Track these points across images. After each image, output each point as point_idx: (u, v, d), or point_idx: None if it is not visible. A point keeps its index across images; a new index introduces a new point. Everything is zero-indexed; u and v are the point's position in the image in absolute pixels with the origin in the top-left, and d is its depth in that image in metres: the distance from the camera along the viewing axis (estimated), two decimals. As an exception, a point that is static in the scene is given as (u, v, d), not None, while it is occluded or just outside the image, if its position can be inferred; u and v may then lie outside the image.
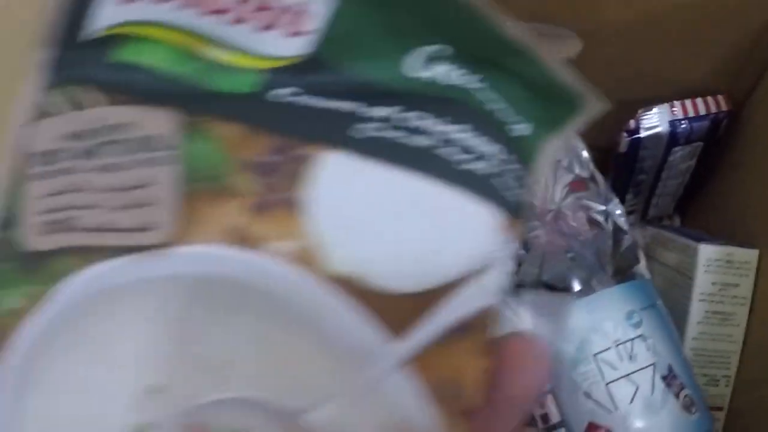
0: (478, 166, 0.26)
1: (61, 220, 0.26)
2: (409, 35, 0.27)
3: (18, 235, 0.26)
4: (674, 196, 0.67)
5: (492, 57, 0.28)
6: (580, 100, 0.30)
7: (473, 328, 0.24)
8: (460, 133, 0.27)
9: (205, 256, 0.24)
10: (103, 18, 0.27)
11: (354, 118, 0.26)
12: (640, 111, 0.59)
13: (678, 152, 0.61)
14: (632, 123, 0.59)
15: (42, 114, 0.27)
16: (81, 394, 0.25)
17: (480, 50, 0.28)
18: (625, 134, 0.60)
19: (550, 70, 0.29)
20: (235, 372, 0.23)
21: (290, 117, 0.26)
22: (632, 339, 0.45)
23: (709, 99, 0.59)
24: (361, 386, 0.23)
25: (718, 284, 0.53)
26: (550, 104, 0.30)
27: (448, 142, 0.27)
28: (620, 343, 0.45)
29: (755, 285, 0.52)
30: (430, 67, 0.28)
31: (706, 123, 0.59)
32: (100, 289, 0.25)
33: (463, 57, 0.28)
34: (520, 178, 0.29)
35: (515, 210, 0.28)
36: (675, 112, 0.59)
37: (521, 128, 0.30)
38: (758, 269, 0.52)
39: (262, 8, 0.27)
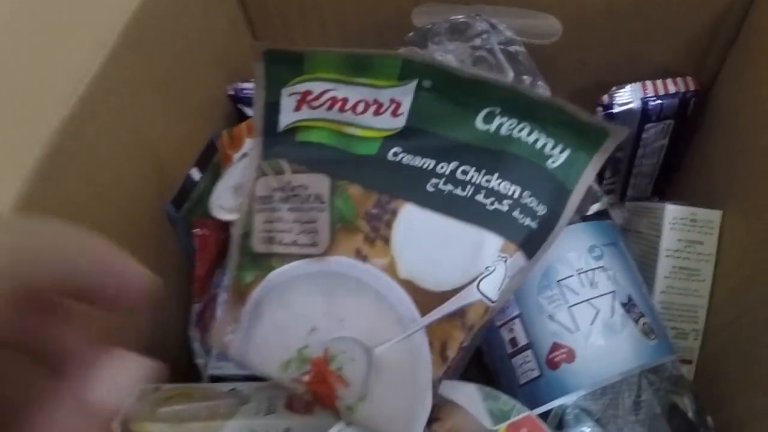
0: (497, 207, 0.40)
1: (270, 237, 0.44)
2: (468, 105, 0.42)
3: (251, 243, 0.45)
4: (651, 176, 0.67)
5: (529, 109, 0.41)
6: (605, 130, 0.40)
7: (464, 314, 0.39)
8: (493, 181, 0.40)
9: (342, 262, 0.41)
10: (286, 119, 0.45)
11: (431, 173, 0.41)
12: (613, 88, 0.60)
13: (651, 129, 0.62)
14: (606, 98, 0.60)
15: (261, 174, 0.45)
16: (279, 328, 0.43)
17: (520, 107, 0.41)
18: (599, 109, 0.60)
19: (573, 114, 0.40)
20: (346, 324, 0.41)
21: (391, 175, 0.41)
22: (593, 269, 0.46)
23: (678, 79, 0.60)
24: (403, 336, 0.39)
25: (683, 241, 0.54)
26: (581, 137, 0.41)
27: (480, 189, 0.40)
28: (582, 272, 0.46)
29: (719, 243, 0.53)
30: (488, 120, 0.41)
31: (675, 101, 0.60)
32: (289, 277, 0.43)
33: (510, 112, 0.41)
34: (530, 211, 0.40)
35: (515, 235, 0.40)
36: (646, 90, 0.60)
37: (562, 156, 0.41)
38: (721, 229, 0.53)
39: (375, 103, 0.43)
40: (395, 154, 0.41)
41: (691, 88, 0.60)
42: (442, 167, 0.41)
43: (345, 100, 0.43)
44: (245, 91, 0.60)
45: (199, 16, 0.56)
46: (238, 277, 0.45)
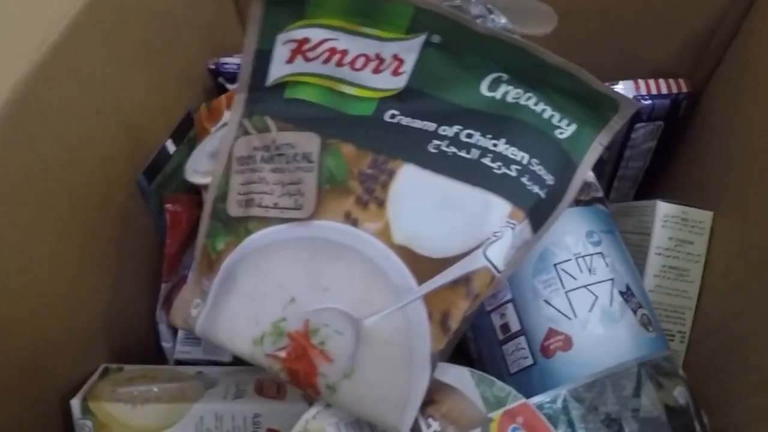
0: (505, 171, 0.36)
1: (248, 200, 0.39)
2: (474, 68, 0.38)
3: (226, 206, 0.40)
4: (635, 180, 0.64)
5: (539, 77, 0.38)
6: (615, 103, 0.38)
7: (469, 281, 0.35)
8: (499, 145, 0.37)
9: (329, 227, 0.37)
10: (276, 72, 0.40)
11: (432, 135, 0.37)
12: (606, 84, 0.58)
13: (640, 129, 0.59)
14: None
15: (243, 132, 0.40)
16: (253, 299, 0.38)
17: (529, 74, 0.37)
18: None
19: (586, 82, 0.37)
20: (331, 294, 0.36)
21: (388, 136, 0.37)
22: (591, 254, 0.43)
23: (671, 80, 0.58)
24: (397, 307, 0.35)
25: (674, 240, 0.51)
26: (591, 109, 0.38)
27: (488, 153, 0.37)
28: (580, 257, 0.43)
29: (709, 244, 0.51)
30: (494, 88, 0.38)
31: (667, 102, 0.57)
32: (268, 243, 0.38)
33: (517, 80, 0.38)
34: (539, 179, 0.37)
35: (524, 202, 0.36)
36: (639, 89, 0.57)
37: (569, 129, 0.38)
38: (712, 230, 0.51)
39: (377, 59, 0.39)
40: (392, 116, 0.37)
41: (684, 89, 0.58)
42: (444, 130, 0.37)
43: (344, 53, 0.38)
44: (226, 66, 0.56)
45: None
46: (207, 245, 0.40)
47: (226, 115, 0.51)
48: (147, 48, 0.49)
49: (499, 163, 0.36)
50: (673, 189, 0.62)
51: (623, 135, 0.60)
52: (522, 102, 0.37)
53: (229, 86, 0.56)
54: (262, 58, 0.40)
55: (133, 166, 0.50)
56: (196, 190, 0.49)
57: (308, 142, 0.38)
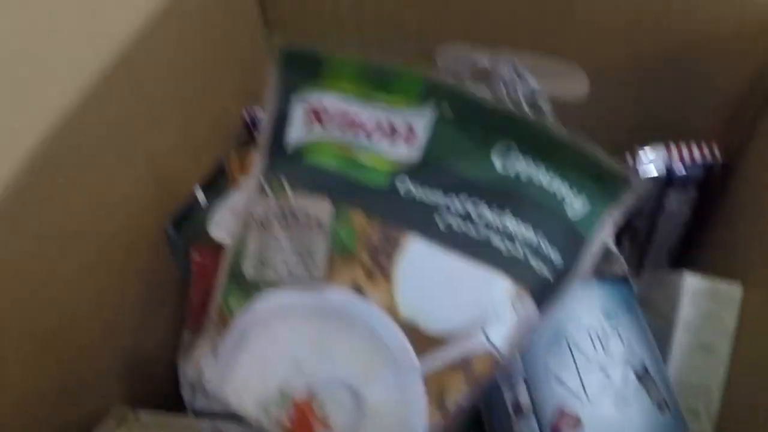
0: (511, 250, 0.35)
1: (263, 262, 0.39)
2: (485, 140, 0.37)
3: (241, 267, 0.40)
4: (668, 248, 0.62)
5: (550, 152, 0.37)
6: (626, 179, 0.37)
7: (469, 365, 0.34)
8: (507, 223, 0.36)
9: (338, 296, 0.36)
10: (294, 135, 0.40)
11: (441, 208, 0.36)
12: (638, 150, 0.56)
13: (673, 196, 0.57)
14: (629, 160, 0.56)
15: (261, 194, 0.40)
16: (261, 362, 0.38)
17: (540, 148, 0.37)
18: None
19: (597, 158, 0.36)
20: (336, 363, 0.35)
21: (399, 207, 0.37)
22: (607, 333, 0.42)
23: (704, 147, 0.56)
24: (398, 383, 0.34)
25: (701, 314, 0.49)
26: (602, 184, 0.37)
27: (495, 230, 0.36)
28: (595, 335, 0.42)
29: (738, 319, 0.49)
30: (504, 159, 0.37)
31: (700, 170, 0.56)
32: (279, 307, 0.37)
33: (528, 153, 0.37)
34: (545, 258, 0.36)
35: (528, 281, 0.36)
36: (672, 156, 0.56)
37: (580, 205, 0.37)
38: (742, 305, 0.49)
39: (390, 129, 0.38)
40: (405, 186, 0.37)
41: (717, 156, 0.56)
42: (453, 203, 0.36)
43: (359, 120, 0.38)
44: (260, 116, 0.56)
45: (222, 35, 0.53)
46: (222, 302, 0.40)
47: (255, 168, 0.51)
48: (180, 96, 0.49)
49: (506, 241, 0.35)
50: (706, 258, 0.60)
51: (656, 203, 0.58)
52: (533, 176, 0.37)
53: (261, 138, 0.56)
54: (281, 118, 0.40)
55: (161, 214, 0.50)
56: (224, 241, 0.49)
57: (321, 209, 0.37)
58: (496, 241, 0.35)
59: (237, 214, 0.44)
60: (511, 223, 0.36)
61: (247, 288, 0.39)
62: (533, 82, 0.54)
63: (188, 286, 0.52)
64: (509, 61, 0.53)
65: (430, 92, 0.37)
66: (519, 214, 0.36)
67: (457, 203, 0.36)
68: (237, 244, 0.40)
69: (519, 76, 0.53)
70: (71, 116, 0.39)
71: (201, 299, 0.53)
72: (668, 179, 0.56)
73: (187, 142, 0.51)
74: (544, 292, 0.36)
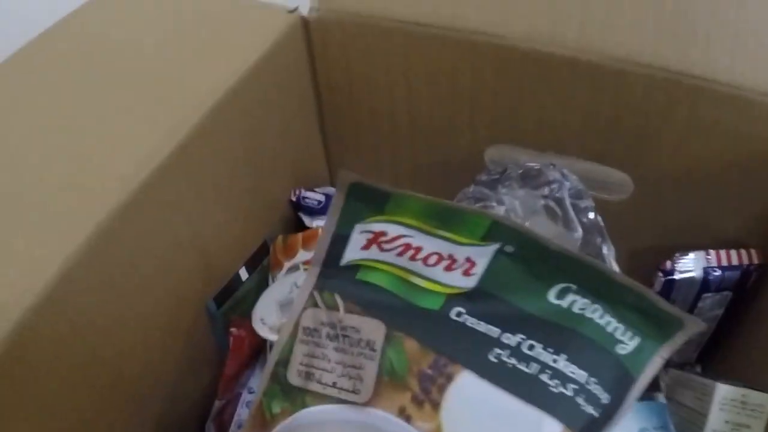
0: (562, 390, 0.35)
1: (309, 373, 0.39)
2: (544, 277, 0.37)
3: (286, 373, 0.40)
4: (698, 344, 0.62)
5: (606, 291, 0.37)
6: (680, 321, 0.36)
7: None
8: (560, 361, 0.36)
9: (383, 417, 0.36)
10: (350, 255, 0.40)
11: (494, 342, 0.36)
12: (676, 255, 0.56)
13: (708, 299, 0.57)
14: (668, 264, 0.56)
15: (313, 304, 0.40)
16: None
17: (596, 287, 0.37)
18: (660, 274, 0.56)
19: (652, 300, 0.36)
20: None
21: (452, 336, 0.37)
22: None
23: (743, 251, 0.56)
24: None
25: (730, 423, 0.49)
26: (655, 324, 0.37)
27: (547, 368, 0.36)
28: None
29: (766, 429, 0.48)
30: (561, 297, 0.37)
31: (737, 273, 0.55)
32: (322, 420, 0.38)
33: (585, 291, 0.37)
34: (594, 398, 0.36)
35: (576, 422, 0.35)
36: (709, 260, 0.56)
37: (632, 344, 0.37)
38: None
39: (449, 258, 0.38)
40: (459, 314, 0.37)
41: (755, 261, 0.55)
42: (507, 338, 0.36)
43: (419, 249, 0.38)
44: (307, 200, 0.57)
45: (276, 119, 0.53)
46: (264, 403, 0.40)
47: (301, 254, 0.52)
48: (231, 181, 0.50)
49: (557, 381, 0.35)
50: (733, 358, 0.60)
51: (690, 303, 0.58)
52: (588, 314, 0.36)
53: (307, 221, 0.57)
54: (339, 241, 0.40)
55: (204, 292, 0.50)
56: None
57: (374, 329, 0.37)
58: (547, 379, 0.35)
59: (282, 311, 0.44)
60: (564, 362, 0.36)
61: (290, 395, 0.39)
62: (578, 184, 0.54)
63: (224, 358, 0.53)
64: (555, 163, 0.54)
65: (494, 232, 0.37)
66: (572, 353, 0.36)
67: (511, 338, 0.36)
68: (283, 349, 0.40)
69: (565, 177, 0.54)
70: (128, 202, 0.40)
71: (235, 371, 0.54)
72: (704, 282, 0.56)
73: (236, 225, 0.51)
74: (590, 429, 0.36)
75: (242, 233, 0.53)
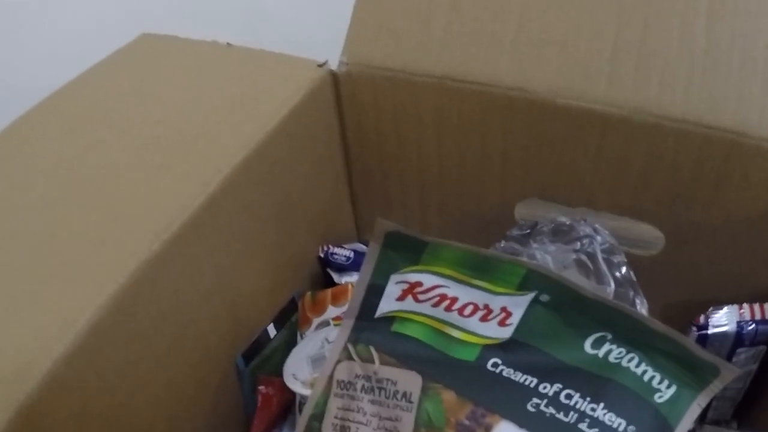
0: None
1: (344, 426, 0.38)
2: (579, 326, 0.37)
3: (321, 427, 0.39)
4: (734, 400, 0.61)
5: (642, 339, 0.36)
6: (716, 368, 0.36)
7: None
8: (597, 410, 0.35)
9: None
10: (385, 306, 0.40)
11: (532, 392, 0.36)
12: (710, 308, 0.55)
13: (742, 354, 0.57)
14: (702, 318, 0.55)
15: (347, 357, 0.39)
16: None
17: (632, 335, 0.36)
18: (694, 328, 0.55)
19: (688, 348, 0.36)
20: None
21: (489, 386, 0.36)
22: None
23: None
24: None
25: None
26: (691, 372, 0.36)
27: (585, 416, 0.35)
28: None
29: None
30: (597, 346, 0.37)
31: None
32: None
33: (621, 340, 0.37)
34: None
35: None
36: (743, 313, 0.55)
37: (669, 392, 0.36)
38: None
39: (485, 309, 0.38)
40: (495, 365, 0.37)
41: (789, 314, 0.55)
42: (545, 387, 0.36)
43: (454, 300, 0.38)
44: (335, 256, 0.57)
45: (304, 173, 0.54)
46: (299, 459, 0.39)
47: (330, 311, 0.51)
48: (261, 236, 0.50)
49: (596, 430, 0.35)
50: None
51: (725, 358, 0.56)
52: (624, 363, 0.36)
53: (336, 277, 0.56)
54: (374, 292, 0.40)
55: (233, 347, 0.50)
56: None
57: (410, 381, 0.37)
58: (586, 427, 0.35)
59: (314, 366, 0.44)
60: (602, 411, 0.35)
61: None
62: (610, 239, 0.53)
63: (252, 415, 0.52)
64: (587, 218, 0.53)
65: (530, 281, 0.37)
66: (610, 401, 0.36)
67: (549, 388, 0.36)
68: (317, 403, 0.40)
69: (596, 232, 0.53)
70: (159, 255, 0.40)
71: (262, 429, 0.53)
72: (738, 336, 0.55)
73: (264, 280, 0.52)
74: None
75: (270, 288, 0.52)
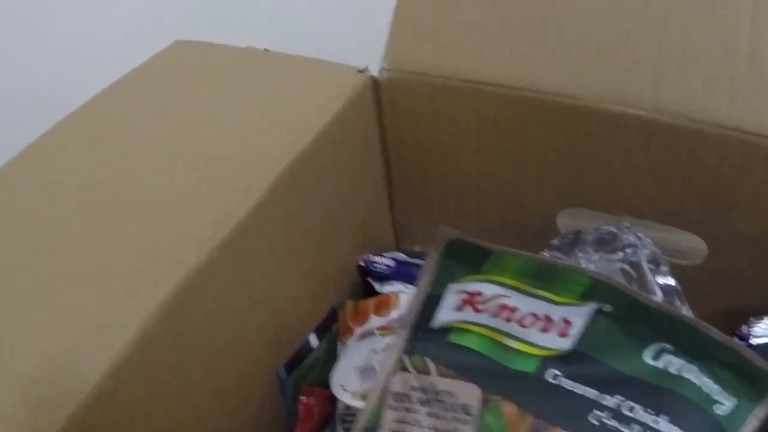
0: None
1: (400, 439, 0.38)
2: (640, 337, 0.37)
3: (375, 439, 0.39)
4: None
5: (702, 350, 0.36)
6: None
7: None
8: (659, 421, 0.35)
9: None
10: (443, 317, 0.40)
11: (593, 404, 0.35)
12: (751, 319, 0.55)
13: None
14: (744, 329, 0.54)
15: (402, 369, 0.39)
16: None
17: (693, 346, 0.36)
18: (735, 339, 0.55)
19: (748, 358, 0.35)
20: None
21: (550, 399, 0.36)
22: None
23: None
24: None
25: None
26: (750, 384, 0.36)
27: (648, 430, 0.35)
28: None
29: None
30: (658, 358, 0.36)
31: None
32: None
33: (682, 351, 0.36)
34: None
35: None
36: (786, 325, 0.53)
37: (729, 404, 0.36)
38: None
39: (546, 319, 0.37)
40: (554, 377, 0.36)
41: (837, 328, 0.54)
42: (606, 399, 0.35)
43: (514, 310, 0.38)
44: (375, 265, 0.57)
45: (345, 179, 0.54)
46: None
47: (373, 320, 0.51)
48: (305, 245, 0.50)
49: None
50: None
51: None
52: (685, 374, 0.36)
53: (377, 286, 0.56)
54: (432, 301, 0.40)
55: (276, 357, 0.50)
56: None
57: (469, 393, 0.37)
58: None
59: (364, 376, 0.43)
60: (666, 424, 0.35)
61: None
62: (654, 248, 0.53)
63: (293, 426, 0.52)
64: (630, 227, 0.53)
65: (594, 291, 0.37)
66: (673, 414, 0.35)
67: (610, 400, 0.36)
68: (370, 416, 0.40)
69: (640, 240, 0.53)
70: (206, 263, 0.40)
71: (306, 439, 0.52)
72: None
73: (307, 290, 0.51)
74: None
75: (313, 297, 0.52)
